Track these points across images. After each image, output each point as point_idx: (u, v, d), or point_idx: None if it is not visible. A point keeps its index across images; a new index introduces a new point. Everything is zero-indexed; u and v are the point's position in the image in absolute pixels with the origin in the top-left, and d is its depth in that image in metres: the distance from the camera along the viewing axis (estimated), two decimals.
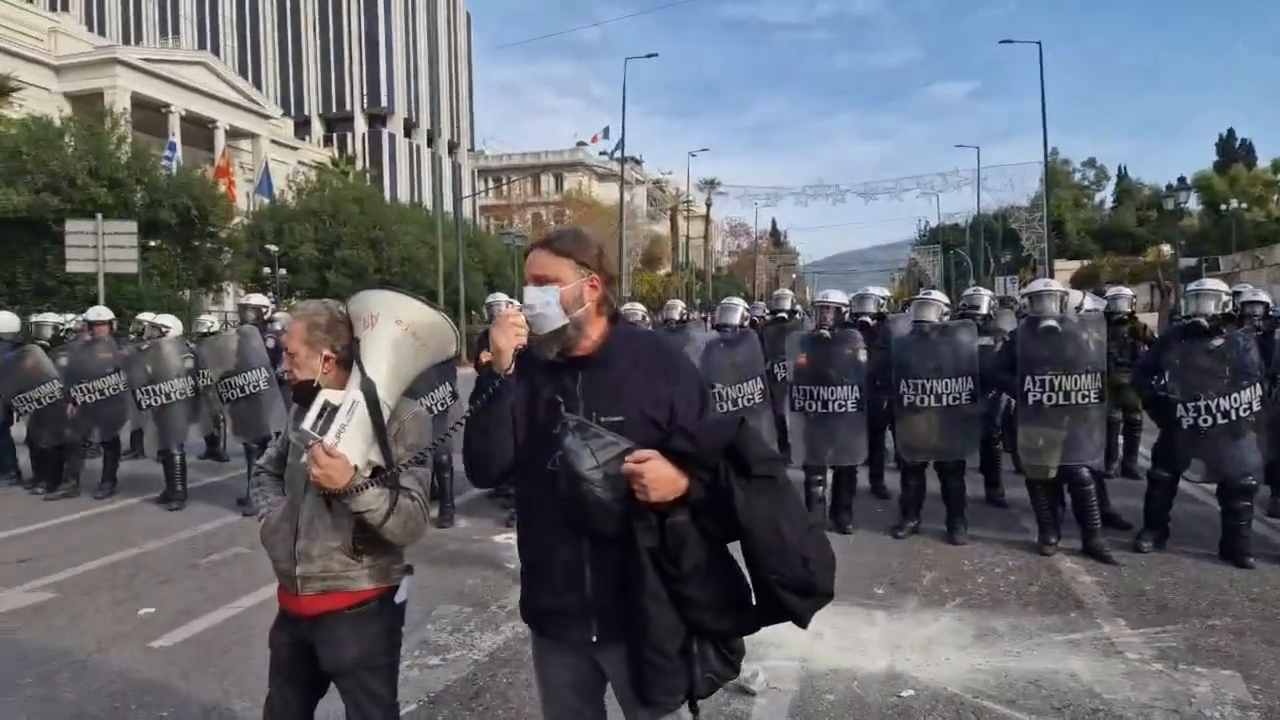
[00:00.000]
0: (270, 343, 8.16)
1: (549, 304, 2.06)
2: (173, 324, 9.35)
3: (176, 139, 40.07)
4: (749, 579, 2.00)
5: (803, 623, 1.96)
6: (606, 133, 50.59)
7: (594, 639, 2.08)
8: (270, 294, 24.89)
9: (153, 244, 26.96)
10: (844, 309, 7.15)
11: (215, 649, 4.65)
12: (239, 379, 7.95)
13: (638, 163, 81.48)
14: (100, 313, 9.49)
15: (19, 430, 9.40)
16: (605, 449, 1.96)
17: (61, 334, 9.81)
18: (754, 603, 2.01)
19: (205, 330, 9.98)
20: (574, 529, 2.04)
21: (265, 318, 8.68)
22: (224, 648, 4.65)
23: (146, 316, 9.70)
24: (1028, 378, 6.07)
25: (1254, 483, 6.00)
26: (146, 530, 7.32)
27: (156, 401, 8.27)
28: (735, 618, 2.02)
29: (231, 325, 14.02)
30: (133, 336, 8.92)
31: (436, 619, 4.96)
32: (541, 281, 2.09)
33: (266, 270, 33.52)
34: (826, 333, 6.79)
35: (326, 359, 2.44)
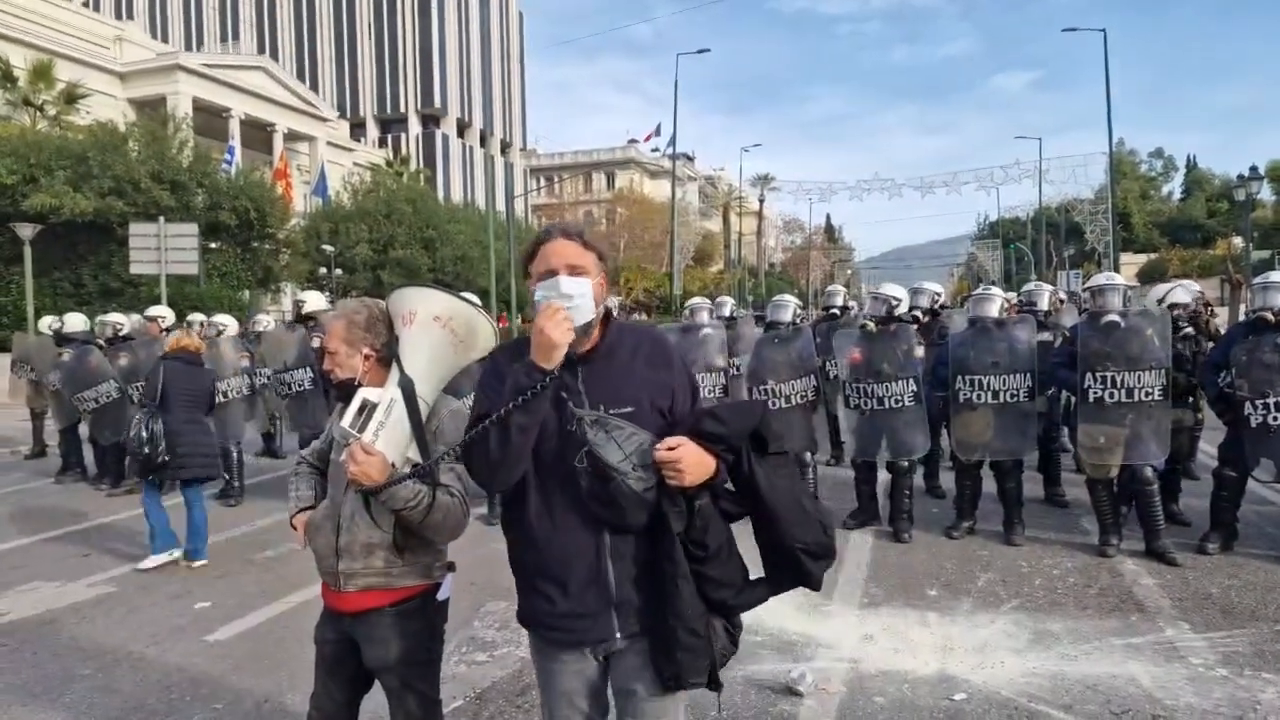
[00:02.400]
0: (315, 342, 8.32)
1: (585, 295, 2.02)
2: (229, 323, 9.57)
3: (236, 142, 40.93)
4: (761, 551, 2.10)
5: (818, 584, 2.09)
6: (659, 130, 50.41)
7: (616, 634, 2.07)
8: (326, 293, 25.37)
9: (213, 245, 27.68)
10: (896, 302, 7.03)
11: (269, 643, 4.73)
12: (287, 376, 8.16)
13: (690, 159, 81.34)
14: (153, 311, 9.70)
15: (85, 428, 9.66)
16: (629, 440, 1.98)
17: (122, 334, 10.07)
18: (764, 575, 2.13)
19: (261, 329, 10.21)
20: (598, 525, 2.02)
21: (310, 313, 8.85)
22: (277, 642, 4.73)
23: (198, 317, 9.94)
24: (1088, 374, 5.93)
25: None
26: None
27: (215, 399, 8.43)
28: (750, 591, 2.11)
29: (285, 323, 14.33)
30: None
31: (484, 615, 4.98)
32: (576, 271, 2.05)
33: (322, 270, 34.11)
34: (871, 325, 6.68)
35: (367, 357, 2.46)
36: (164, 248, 17.24)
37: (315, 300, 9.24)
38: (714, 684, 2.07)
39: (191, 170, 27.49)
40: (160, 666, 4.44)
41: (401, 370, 2.30)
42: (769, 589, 2.12)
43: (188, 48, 65.63)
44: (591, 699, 2.17)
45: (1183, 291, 7.55)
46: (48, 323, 11.09)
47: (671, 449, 1.93)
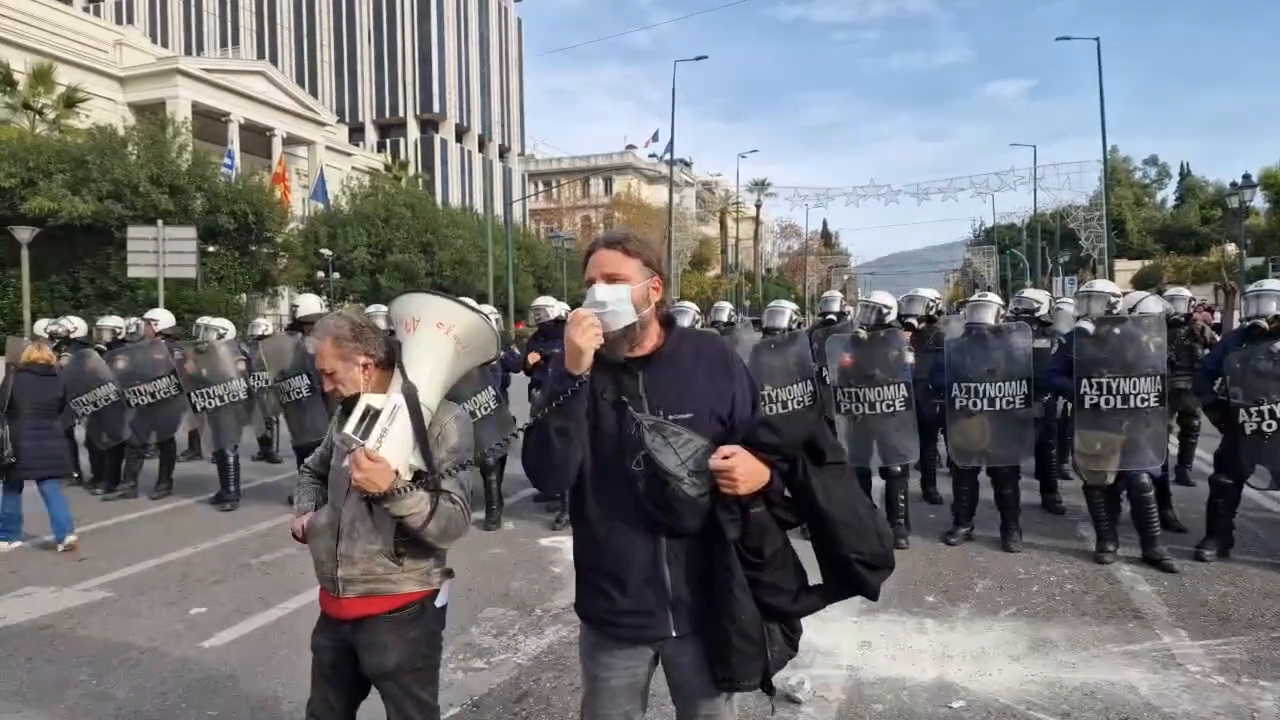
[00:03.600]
0: (313, 347, 8.32)
1: (621, 301, 2.06)
2: (227, 327, 9.56)
3: (235, 146, 40.98)
4: (819, 560, 2.11)
5: (875, 594, 2.09)
6: (656, 136, 50.59)
7: (674, 634, 2.13)
8: (323, 298, 25.34)
9: (211, 249, 27.71)
10: (886, 310, 7.05)
11: (265, 649, 4.71)
12: (285, 384, 8.17)
13: (687, 165, 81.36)
14: (152, 315, 9.68)
15: (81, 432, 9.63)
16: (685, 446, 2.02)
17: (120, 338, 10.05)
18: (821, 582, 2.14)
19: (260, 334, 10.20)
20: (656, 527, 2.07)
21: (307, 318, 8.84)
22: (274, 648, 4.71)
23: (205, 320, 9.92)
24: (1084, 380, 5.94)
25: None
26: (200, 530, 7.47)
27: (211, 404, 8.43)
28: (807, 598, 2.13)
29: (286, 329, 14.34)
30: (197, 345, 9.06)
31: (481, 622, 4.97)
32: (612, 279, 2.09)
33: (320, 274, 34.12)
34: (862, 333, 6.70)
35: (365, 366, 2.46)
36: (162, 251, 17.23)
37: (310, 304, 9.23)
38: (767, 687, 2.14)
39: (190, 174, 27.57)
40: (156, 672, 4.42)
41: (405, 376, 2.30)
42: (825, 597, 2.14)
43: (187, 52, 65.62)
44: (633, 695, 2.23)
45: (1154, 302, 7.59)
46: (43, 326, 11.07)
47: (726, 458, 1.96)
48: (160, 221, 19.15)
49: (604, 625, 2.21)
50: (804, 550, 2.15)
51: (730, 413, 2.14)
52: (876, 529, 2.06)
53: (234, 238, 29.07)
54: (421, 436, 2.30)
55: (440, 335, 2.31)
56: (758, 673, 2.08)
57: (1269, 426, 5.67)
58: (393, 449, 2.25)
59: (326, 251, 34.00)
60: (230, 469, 8.45)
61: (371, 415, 2.27)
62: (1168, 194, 74.47)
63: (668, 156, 42.56)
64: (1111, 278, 39.52)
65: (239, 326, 11.11)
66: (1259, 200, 49.18)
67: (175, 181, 26.58)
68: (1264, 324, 5.76)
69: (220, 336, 9.09)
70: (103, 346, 9.64)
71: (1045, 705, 3.85)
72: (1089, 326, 6.00)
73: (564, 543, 6.46)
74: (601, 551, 2.16)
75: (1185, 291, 8.43)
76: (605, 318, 2.04)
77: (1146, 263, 56.84)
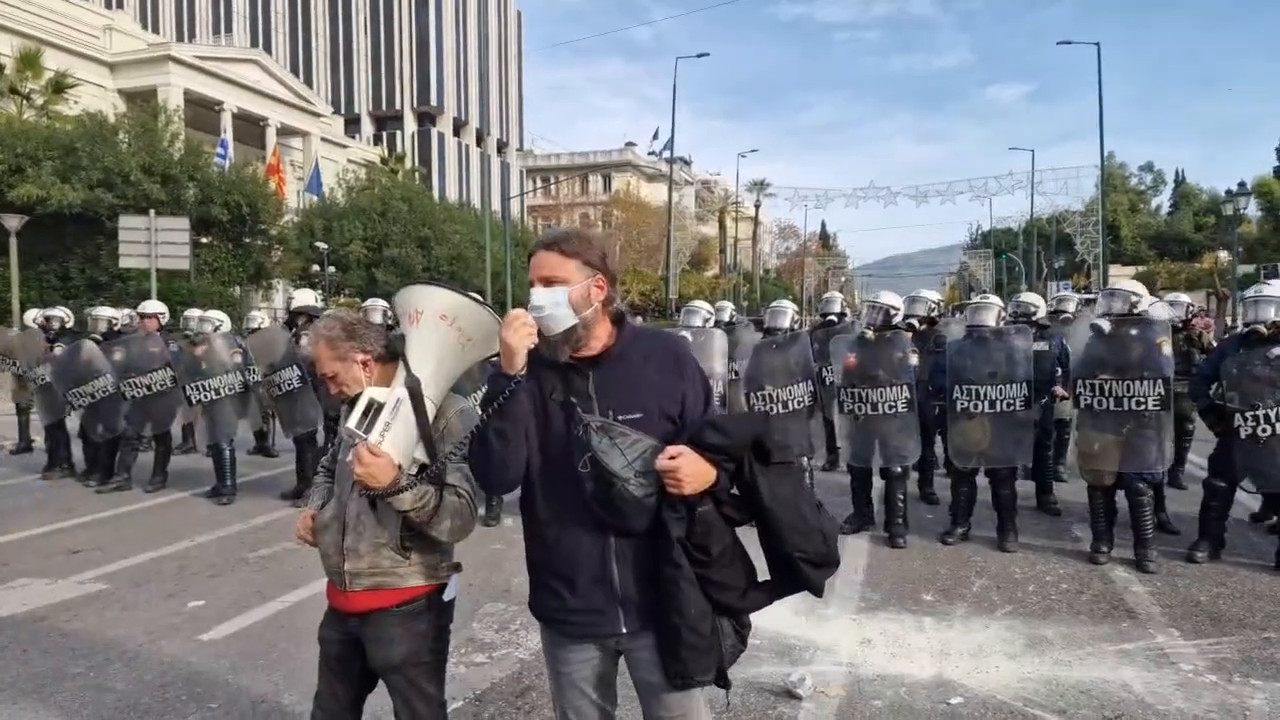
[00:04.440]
0: (304, 340, 8.31)
1: (558, 304, 2.06)
2: (223, 320, 9.53)
3: (228, 136, 40.72)
4: (765, 557, 2.14)
5: (819, 590, 2.14)
6: (657, 134, 50.57)
7: (624, 630, 2.14)
8: (319, 291, 25.26)
9: (204, 240, 27.52)
10: (893, 311, 7.07)
11: (264, 643, 4.71)
12: (276, 376, 8.17)
13: (687, 164, 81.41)
14: (148, 306, 9.67)
15: (73, 423, 9.60)
16: (632, 447, 2.03)
17: (116, 328, 10.01)
18: (768, 579, 2.17)
19: (255, 326, 10.18)
20: (604, 527, 2.08)
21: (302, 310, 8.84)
22: (272, 642, 4.72)
23: (194, 312, 9.88)
24: (1079, 381, 5.99)
25: None
26: (196, 524, 7.46)
27: (207, 397, 8.40)
28: (755, 595, 2.15)
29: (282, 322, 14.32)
30: (188, 334, 9.03)
31: (483, 617, 4.98)
32: (549, 282, 2.09)
33: (316, 267, 34.03)
34: (869, 333, 6.72)
35: (364, 363, 2.45)
36: (154, 241, 17.08)
37: (304, 297, 9.21)
38: (722, 681, 2.13)
39: (183, 164, 27.32)
40: (154, 665, 4.42)
41: (408, 369, 2.28)
42: (772, 594, 2.17)
43: (179, 39, 65.31)
44: (601, 689, 2.24)
45: (1161, 308, 7.62)
46: (32, 316, 11.02)
47: (672, 458, 1.97)
48: (152, 211, 19.02)
49: (556, 624, 2.23)
50: (753, 547, 2.17)
51: (681, 413, 2.14)
52: (820, 528, 2.08)
53: (227, 229, 28.86)
54: (425, 430, 2.29)
55: (444, 327, 2.29)
56: (711, 667, 2.08)
57: (1264, 431, 5.72)
58: (396, 443, 2.24)
59: (322, 245, 33.87)
60: (226, 462, 8.42)
61: (375, 409, 2.25)
62: (1162, 200, 74.85)
63: (667, 154, 42.54)
64: (1105, 283, 39.73)
65: (233, 319, 11.06)
66: (1252, 208, 49.48)
67: (167, 171, 26.32)
68: (1263, 329, 5.80)
69: (216, 329, 9.06)
70: (98, 336, 9.58)
71: (1042, 702, 3.88)
72: (1105, 325, 6.01)
73: None
74: (551, 551, 2.18)
75: (1184, 298, 8.49)
76: (545, 322, 2.04)
77: (1140, 268, 57.04)
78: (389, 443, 2.23)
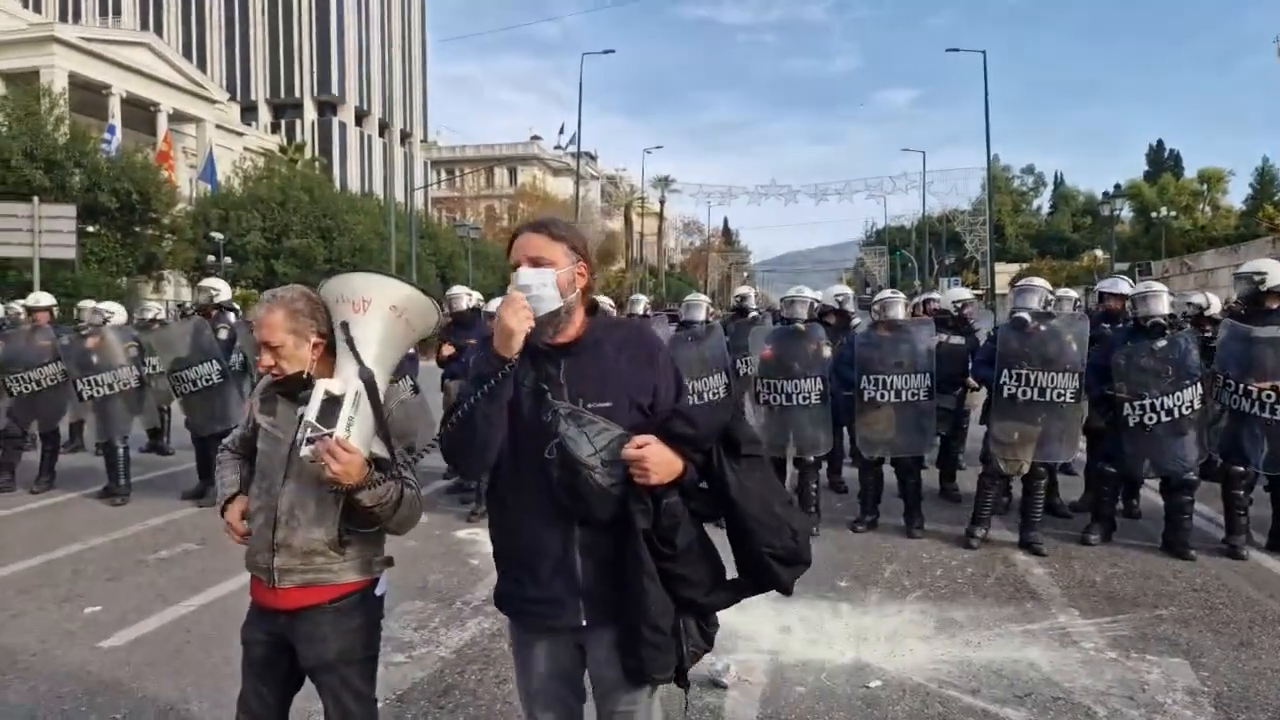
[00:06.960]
0: (223, 334, 7.97)
1: (545, 285, 2.03)
2: (117, 311, 9.09)
3: (116, 121, 38.86)
4: (734, 554, 2.10)
5: (788, 590, 2.09)
6: (563, 129, 50.44)
7: (584, 623, 2.09)
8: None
9: (91, 229, 26.19)
10: (816, 305, 7.24)
11: (169, 648, 4.51)
12: (189, 373, 7.79)
13: (592, 158, 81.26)
14: (41, 298, 9.15)
15: None
16: (600, 435, 1.99)
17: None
18: (736, 577, 2.13)
19: (151, 318, 9.72)
20: (568, 516, 2.04)
21: (216, 303, 8.45)
22: (178, 647, 4.52)
23: (88, 304, 9.39)
24: (1004, 371, 6.18)
25: (1194, 478, 6.18)
26: (89, 526, 7.10)
27: (99, 392, 8.00)
28: (720, 592, 2.11)
29: (182, 312, 13.75)
30: (82, 326, 8.55)
31: (400, 616, 4.87)
32: (537, 263, 2.06)
33: (211, 258, 32.70)
34: (801, 326, 6.83)
35: (315, 346, 2.34)
36: (38, 230, 16.18)
37: (226, 289, 8.83)
38: (681, 681, 2.11)
39: (68, 149, 25.97)
40: (50, 675, 4.18)
41: (360, 361, 2.20)
42: (739, 592, 2.13)
43: (63, 20, 61.84)
44: (565, 682, 2.21)
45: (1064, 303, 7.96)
46: None
47: (640, 447, 1.94)
48: (36, 198, 18.00)
49: (516, 614, 2.21)
50: (727, 550, 2.15)
51: (652, 404, 2.11)
52: (790, 524, 2.04)
53: (116, 218, 27.52)
54: (381, 422, 2.23)
55: (393, 318, 2.23)
56: (670, 666, 2.04)
57: (1150, 419, 6.04)
58: (359, 437, 2.16)
59: (218, 235, 32.58)
60: (120, 461, 8.03)
61: (333, 402, 2.15)
62: (1043, 202, 78.58)
63: (573, 148, 42.47)
64: (992, 279, 41.46)
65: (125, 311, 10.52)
66: (1125, 210, 52.29)
67: (51, 156, 24.99)
68: (1162, 321, 6.08)
69: (106, 321, 8.61)
70: None
71: (955, 683, 4.02)
72: (1028, 317, 6.23)
73: (480, 534, 6.38)
74: (514, 538, 2.15)
75: (1072, 293, 8.87)
76: (531, 302, 2.01)
77: (1024, 265, 59.61)
78: (355, 437, 2.14)
